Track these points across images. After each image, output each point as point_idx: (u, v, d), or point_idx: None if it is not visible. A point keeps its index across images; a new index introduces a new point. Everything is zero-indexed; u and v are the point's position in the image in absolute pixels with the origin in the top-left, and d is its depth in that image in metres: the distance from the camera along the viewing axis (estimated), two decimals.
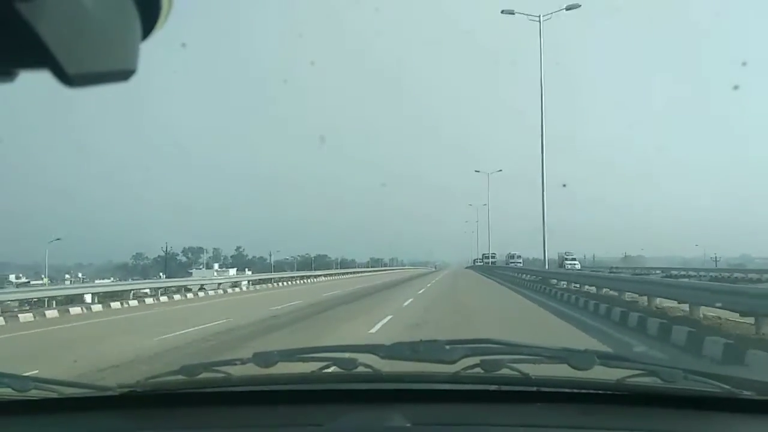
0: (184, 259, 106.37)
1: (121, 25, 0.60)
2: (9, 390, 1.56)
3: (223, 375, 1.63)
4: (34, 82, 0.60)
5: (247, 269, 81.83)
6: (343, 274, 60.86)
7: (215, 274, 60.13)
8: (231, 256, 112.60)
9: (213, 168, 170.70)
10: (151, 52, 0.67)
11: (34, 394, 1.59)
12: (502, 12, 27.31)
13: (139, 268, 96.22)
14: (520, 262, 70.15)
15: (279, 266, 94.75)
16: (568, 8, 26.24)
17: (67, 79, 0.56)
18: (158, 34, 0.64)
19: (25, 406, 1.60)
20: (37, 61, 0.54)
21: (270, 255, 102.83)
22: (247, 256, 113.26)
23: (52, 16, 0.52)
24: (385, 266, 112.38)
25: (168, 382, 1.66)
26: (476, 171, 61.94)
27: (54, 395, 1.61)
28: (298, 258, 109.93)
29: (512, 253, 77.59)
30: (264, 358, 1.63)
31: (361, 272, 70.22)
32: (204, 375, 1.64)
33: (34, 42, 0.52)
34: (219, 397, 1.63)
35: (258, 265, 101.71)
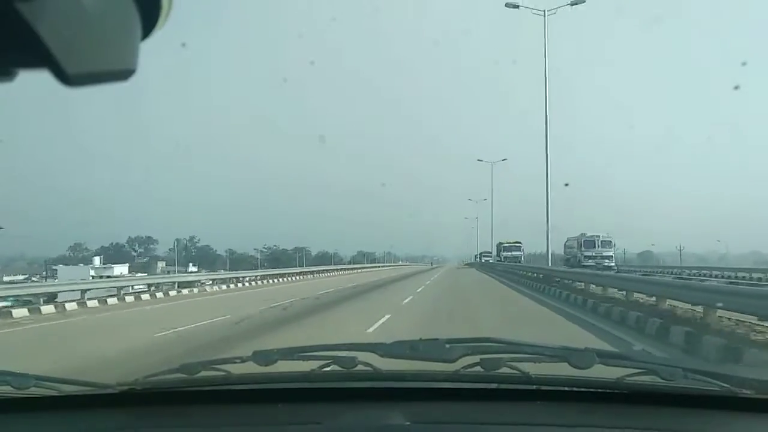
0: (131, 251, 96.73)
1: (121, 25, 0.60)
2: (9, 387, 1.56)
3: (222, 373, 1.63)
4: (34, 82, 0.60)
5: (191, 264, 74.81)
6: (303, 273, 40.46)
7: (92, 272, 41.31)
8: (185, 248, 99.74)
9: (208, 163, 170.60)
10: (151, 51, 0.67)
11: (34, 391, 1.59)
12: (506, 5, 26.41)
13: (75, 261, 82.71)
14: (610, 258, 36.43)
15: (245, 261, 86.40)
16: (573, 3, 25.44)
17: (67, 78, 0.56)
18: (158, 34, 0.64)
19: (25, 403, 1.60)
20: (37, 60, 0.54)
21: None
22: (210, 248, 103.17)
23: (52, 16, 0.52)
24: (374, 262, 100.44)
25: (167, 380, 1.66)
26: (479, 160, 51.17)
27: (54, 393, 1.61)
28: (265, 251, 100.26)
29: (591, 236, 37.54)
30: (263, 357, 1.63)
31: (335, 271, 49.99)
32: (203, 373, 1.64)
33: (34, 42, 0.52)
34: (218, 396, 1.63)
35: (220, 259, 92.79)
